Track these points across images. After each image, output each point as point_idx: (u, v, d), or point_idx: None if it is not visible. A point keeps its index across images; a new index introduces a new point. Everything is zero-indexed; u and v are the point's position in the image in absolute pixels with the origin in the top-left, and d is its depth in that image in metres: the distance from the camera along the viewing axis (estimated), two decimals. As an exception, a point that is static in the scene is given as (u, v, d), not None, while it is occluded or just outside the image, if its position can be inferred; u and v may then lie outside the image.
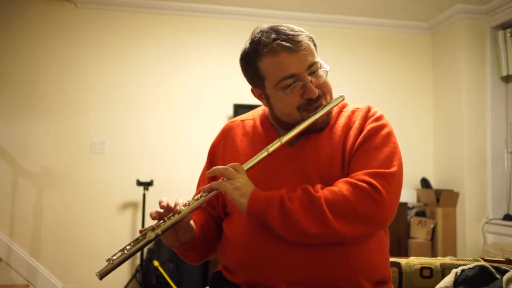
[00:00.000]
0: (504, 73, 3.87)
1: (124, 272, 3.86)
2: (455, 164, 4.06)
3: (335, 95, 1.33)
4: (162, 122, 4.04)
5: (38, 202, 3.81)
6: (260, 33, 1.28)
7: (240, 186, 1.19)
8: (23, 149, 3.82)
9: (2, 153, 3.79)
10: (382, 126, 1.30)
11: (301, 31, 1.29)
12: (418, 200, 4.22)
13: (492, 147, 3.94)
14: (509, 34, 3.84)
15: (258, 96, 1.37)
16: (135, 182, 3.79)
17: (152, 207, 3.73)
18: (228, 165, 1.23)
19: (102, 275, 1.15)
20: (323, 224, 1.13)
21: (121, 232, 3.90)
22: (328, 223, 1.13)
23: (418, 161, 4.35)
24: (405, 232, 3.92)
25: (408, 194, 4.20)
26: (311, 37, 1.31)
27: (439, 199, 3.96)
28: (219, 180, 1.22)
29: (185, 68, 4.11)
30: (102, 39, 4.01)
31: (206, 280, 3.71)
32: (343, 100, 1.32)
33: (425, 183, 4.23)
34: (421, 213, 4.08)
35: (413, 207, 4.17)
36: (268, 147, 1.25)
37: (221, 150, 1.43)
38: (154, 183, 3.82)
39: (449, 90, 4.21)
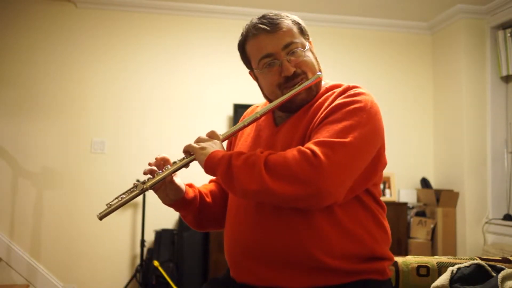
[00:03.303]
0: (504, 73, 3.87)
1: (124, 272, 3.86)
2: (455, 164, 4.06)
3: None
4: (162, 122, 4.05)
5: (38, 202, 3.81)
6: (251, 20, 1.37)
7: (206, 147, 1.27)
8: (23, 149, 3.83)
9: (2, 153, 3.80)
10: (352, 102, 1.25)
11: (287, 16, 1.37)
12: (418, 200, 4.22)
13: (492, 147, 3.94)
14: (509, 34, 3.84)
15: (254, 79, 1.44)
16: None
17: (153, 206, 3.74)
18: (206, 133, 1.34)
19: (102, 216, 1.31)
20: (258, 180, 1.15)
21: (121, 232, 3.90)
22: (261, 180, 1.14)
23: (418, 161, 4.35)
24: (405, 232, 3.92)
25: (408, 194, 4.20)
26: (297, 22, 1.38)
27: (439, 199, 3.96)
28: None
29: (185, 68, 4.11)
30: (102, 39, 4.02)
31: (206, 280, 3.71)
32: (320, 79, 1.34)
33: (425, 183, 4.23)
34: (421, 213, 4.08)
35: (413, 207, 4.17)
36: (245, 119, 1.35)
37: (244, 131, 1.50)
38: (154, 183, 3.82)
39: (449, 90, 4.21)
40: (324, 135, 1.18)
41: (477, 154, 3.95)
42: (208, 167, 1.24)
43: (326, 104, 1.28)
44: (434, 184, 4.29)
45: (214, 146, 1.28)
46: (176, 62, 4.11)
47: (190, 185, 1.46)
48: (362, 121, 1.21)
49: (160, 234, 3.80)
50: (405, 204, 3.99)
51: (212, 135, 1.32)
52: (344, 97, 1.26)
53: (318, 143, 1.16)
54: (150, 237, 3.86)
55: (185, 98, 4.10)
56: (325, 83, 1.39)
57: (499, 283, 1.12)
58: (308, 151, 1.14)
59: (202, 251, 3.73)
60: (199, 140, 1.31)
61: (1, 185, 3.78)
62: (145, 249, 3.79)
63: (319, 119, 1.25)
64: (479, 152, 3.95)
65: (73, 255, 3.83)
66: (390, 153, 5.08)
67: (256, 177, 1.15)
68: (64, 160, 3.88)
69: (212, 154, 1.24)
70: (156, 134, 4.02)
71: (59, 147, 3.89)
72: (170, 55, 4.10)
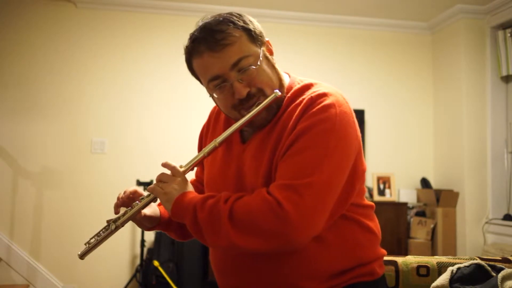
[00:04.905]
0: (504, 73, 3.87)
1: (124, 272, 3.86)
2: (455, 164, 4.06)
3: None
4: (162, 122, 4.05)
5: (38, 202, 3.81)
6: (194, 30, 1.23)
7: (169, 191, 1.18)
8: (23, 149, 3.83)
9: (2, 153, 3.80)
10: (317, 123, 1.11)
11: (230, 23, 1.21)
12: (418, 200, 4.22)
13: (492, 147, 3.94)
14: (509, 34, 3.84)
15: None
16: (135, 182, 3.79)
17: (152, 207, 3.74)
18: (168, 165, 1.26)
19: (83, 255, 1.30)
20: (224, 237, 1.08)
21: (121, 232, 3.88)
22: (228, 237, 1.08)
23: (418, 161, 4.35)
24: (405, 232, 3.92)
25: (408, 194, 4.20)
26: (247, 28, 1.22)
27: (439, 199, 3.96)
28: (154, 184, 1.23)
29: (185, 68, 4.08)
30: (102, 39, 4.02)
31: (206, 280, 3.71)
32: (277, 97, 1.18)
33: (425, 183, 4.23)
34: (421, 213, 4.08)
35: (413, 207, 4.17)
36: (204, 148, 1.23)
37: (211, 131, 1.43)
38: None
39: (449, 90, 4.21)
40: (288, 173, 1.09)
41: (477, 154, 3.95)
42: (175, 217, 1.17)
43: (291, 123, 1.15)
44: (434, 184, 4.29)
45: (176, 189, 1.19)
46: (176, 62, 4.10)
47: None
48: (330, 145, 1.10)
49: (160, 234, 3.79)
50: (405, 204, 3.99)
51: (173, 171, 1.22)
52: (309, 116, 1.13)
53: (282, 187, 1.07)
54: (150, 237, 3.86)
55: (185, 97, 4.09)
56: (290, 83, 1.26)
57: (499, 283, 1.12)
58: (272, 199, 1.06)
59: (202, 251, 3.72)
60: (161, 179, 1.22)
61: (1, 185, 3.78)
62: (145, 249, 3.79)
63: (285, 145, 1.14)
64: (479, 152, 3.95)
65: (73, 255, 3.82)
66: (390, 153, 5.06)
67: (223, 234, 1.08)
68: (64, 160, 3.88)
69: (176, 202, 1.16)
70: (156, 134, 4.02)
71: (59, 147, 3.88)
72: (170, 54, 4.09)
